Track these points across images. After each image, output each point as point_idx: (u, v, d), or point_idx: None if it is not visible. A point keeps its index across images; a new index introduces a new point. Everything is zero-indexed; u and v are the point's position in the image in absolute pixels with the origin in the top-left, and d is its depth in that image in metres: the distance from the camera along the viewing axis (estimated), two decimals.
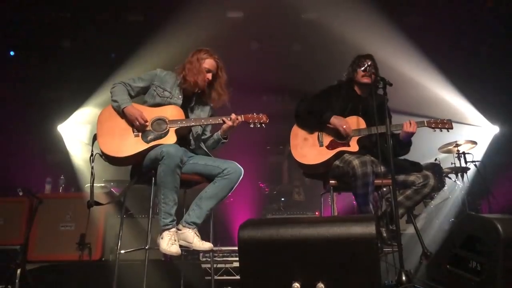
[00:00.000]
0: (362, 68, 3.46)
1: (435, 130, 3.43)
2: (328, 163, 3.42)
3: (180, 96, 3.35)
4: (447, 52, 6.63)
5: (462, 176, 5.59)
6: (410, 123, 3.37)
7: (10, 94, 6.63)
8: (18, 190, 4.42)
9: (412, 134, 3.38)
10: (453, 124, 3.47)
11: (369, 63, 3.44)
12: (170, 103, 3.30)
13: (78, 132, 6.96)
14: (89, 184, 3.23)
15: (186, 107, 3.37)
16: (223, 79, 3.42)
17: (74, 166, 6.55)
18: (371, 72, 3.38)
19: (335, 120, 3.41)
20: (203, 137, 3.46)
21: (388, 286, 2.73)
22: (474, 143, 5.69)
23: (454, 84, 6.64)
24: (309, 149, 3.49)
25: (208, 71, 3.35)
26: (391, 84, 3.13)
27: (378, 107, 3.26)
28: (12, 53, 6.85)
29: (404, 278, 2.66)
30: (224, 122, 3.30)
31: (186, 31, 5.70)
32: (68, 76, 6.66)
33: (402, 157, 3.52)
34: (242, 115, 3.34)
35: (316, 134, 3.53)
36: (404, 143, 3.46)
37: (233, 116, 3.29)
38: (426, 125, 3.42)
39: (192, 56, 3.38)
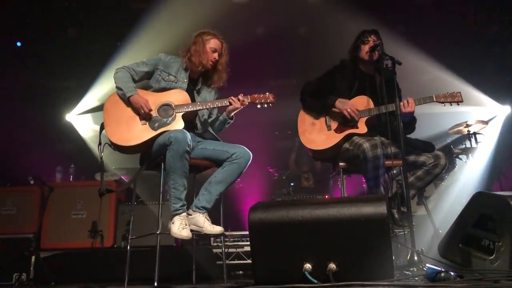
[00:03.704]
0: (369, 47, 3.38)
1: (444, 105, 3.30)
2: (337, 146, 3.39)
3: (185, 80, 3.34)
4: (452, 34, 6.51)
5: (473, 157, 5.53)
6: (408, 102, 3.25)
7: (18, 85, 6.67)
8: (29, 179, 4.45)
9: (411, 113, 3.29)
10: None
11: (376, 41, 3.37)
12: (175, 87, 3.28)
13: (86, 119, 7.01)
14: (99, 173, 3.25)
15: (192, 90, 3.36)
16: (225, 59, 3.41)
17: (84, 154, 6.60)
18: (378, 51, 3.29)
19: (340, 104, 3.36)
20: (209, 120, 3.45)
21: (400, 266, 2.72)
22: (485, 123, 5.62)
23: (460, 67, 6.50)
24: (317, 134, 3.45)
25: (214, 50, 3.34)
26: (400, 63, 3.08)
27: (386, 83, 3.19)
28: (19, 43, 6.87)
29: (416, 258, 2.66)
30: (230, 104, 3.29)
31: (191, 16, 5.67)
32: (75, 65, 6.67)
33: (414, 137, 3.44)
34: (248, 96, 3.32)
35: (323, 118, 3.48)
36: (406, 122, 3.31)
37: (240, 97, 3.28)
38: (435, 100, 3.29)
39: (196, 37, 3.38)
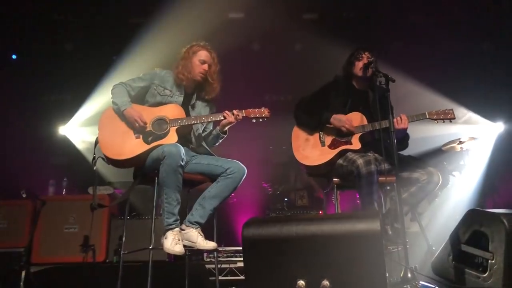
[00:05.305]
0: (363, 64, 3.42)
1: (437, 122, 3.36)
2: (331, 162, 3.40)
3: (181, 94, 3.36)
4: (444, 52, 6.55)
5: (467, 174, 5.55)
6: (401, 119, 3.29)
7: (13, 97, 6.64)
8: (21, 193, 4.42)
9: (404, 130, 3.33)
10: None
11: (370, 58, 3.41)
12: (170, 102, 3.30)
13: (81, 132, 6.98)
14: (92, 187, 3.24)
15: (187, 104, 3.37)
16: (215, 68, 3.42)
17: (78, 168, 6.55)
18: (372, 68, 3.33)
19: (335, 121, 3.40)
20: (203, 134, 3.45)
21: (393, 283, 2.71)
22: (478, 139, 5.64)
23: (451, 85, 6.52)
24: (311, 149, 3.48)
25: (203, 62, 3.36)
26: (393, 80, 3.10)
27: (380, 100, 3.21)
28: (14, 56, 6.87)
29: (409, 275, 2.65)
30: (225, 118, 3.28)
31: (188, 32, 5.69)
32: (70, 78, 6.67)
33: (406, 154, 3.47)
34: (243, 110, 3.32)
35: (317, 134, 3.51)
36: (399, 139, 3.33)
37: (234, 112, 3.28)
38: (428, 117, 3.34)
39: (184, 52, 3.40)
